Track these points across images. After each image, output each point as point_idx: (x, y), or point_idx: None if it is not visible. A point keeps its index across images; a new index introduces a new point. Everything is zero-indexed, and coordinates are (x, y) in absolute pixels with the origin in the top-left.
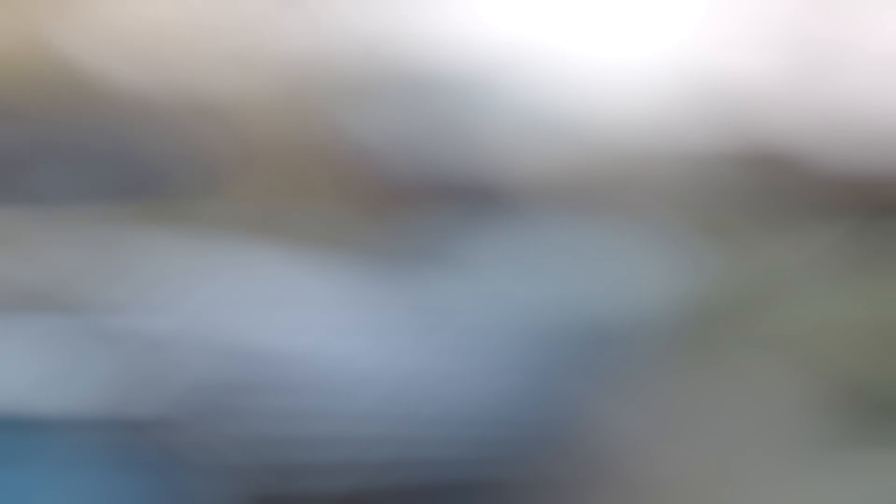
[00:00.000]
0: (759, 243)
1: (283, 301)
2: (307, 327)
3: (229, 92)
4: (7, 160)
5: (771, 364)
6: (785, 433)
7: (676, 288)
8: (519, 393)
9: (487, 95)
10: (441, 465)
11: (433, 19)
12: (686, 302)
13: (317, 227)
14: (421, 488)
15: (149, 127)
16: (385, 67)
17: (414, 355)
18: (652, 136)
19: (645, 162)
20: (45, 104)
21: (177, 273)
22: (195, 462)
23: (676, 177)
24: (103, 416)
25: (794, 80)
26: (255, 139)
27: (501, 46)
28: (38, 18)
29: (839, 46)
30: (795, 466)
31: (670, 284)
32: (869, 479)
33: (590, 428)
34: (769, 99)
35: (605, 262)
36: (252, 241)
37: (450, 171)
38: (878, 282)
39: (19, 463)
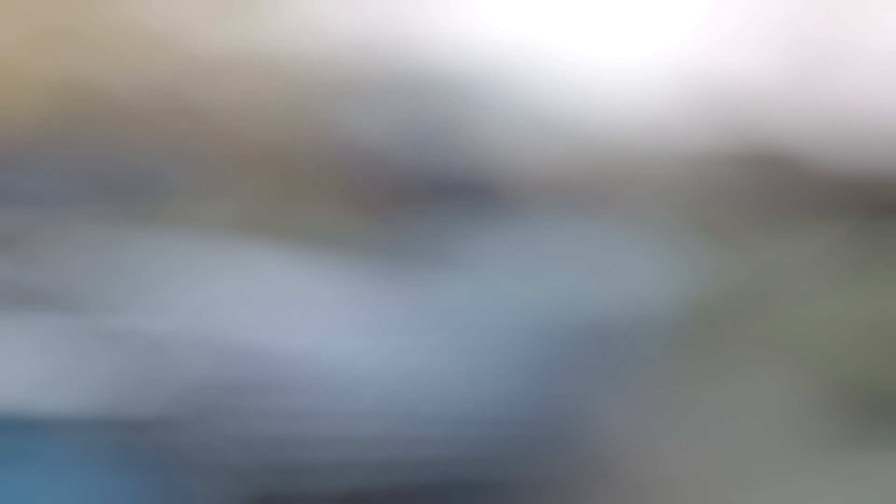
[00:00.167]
0: (759, 243)
1: (283, 301)
2: (307, 327)
3: (229, 92)
4: (7, 160)
5: (770, 364)
6: (784, 433)
7: (676, 287)
8: (519, 392)
9: (487, 95)
10: (441, 465)
11: (433, 19)
12: (685, 302)
13: (316, 227)
14: (421, 488)
15: (149, 127)
16: (384, 67)
17: (414, 355)
18: (652, 136)
19: (644, 162)
20: (45, 107)
21: (177, 273)
22: (195, 462)
23: (676, 177)
24: (103, 416)
25: (794, 80)
26: (256, 139)
27: (501, 46)
28: (37, 23)
29: (839, 46)
30: (795, 466)
31: (670, 284)
32: (868, 479)
33: (590, 428)
34: (769, 99)
35: (605, 262)
36: (252, 241)
37: (450, 170)
38: (878, 282)
39: (19, 463)
